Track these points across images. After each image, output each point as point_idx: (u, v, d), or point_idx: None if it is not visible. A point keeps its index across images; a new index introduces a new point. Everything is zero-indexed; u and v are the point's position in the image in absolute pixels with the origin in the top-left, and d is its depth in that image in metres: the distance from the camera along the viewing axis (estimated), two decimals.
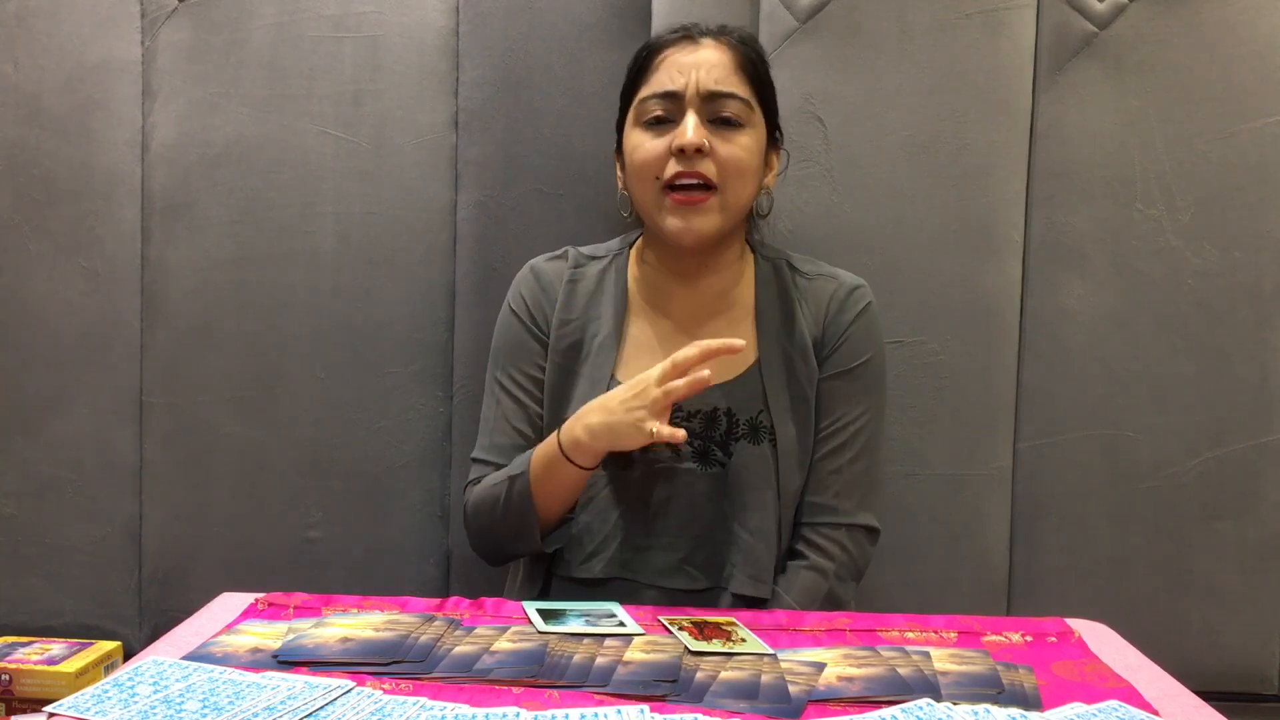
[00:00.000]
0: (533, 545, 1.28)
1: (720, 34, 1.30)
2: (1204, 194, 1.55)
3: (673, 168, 1.24)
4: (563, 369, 1.33)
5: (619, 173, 1.35)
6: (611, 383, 1.29)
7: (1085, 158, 1.55)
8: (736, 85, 1.26)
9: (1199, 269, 1.56)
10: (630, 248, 1.39)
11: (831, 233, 1.56)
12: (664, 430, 1.16)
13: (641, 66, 1.30)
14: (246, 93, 1.60)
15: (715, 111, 1.26)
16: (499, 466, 1.32)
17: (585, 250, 1.40)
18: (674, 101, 1.26)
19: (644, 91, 1.28)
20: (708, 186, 1.25)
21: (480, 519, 1.31)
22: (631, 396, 1.19)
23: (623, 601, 1.15)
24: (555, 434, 1.24)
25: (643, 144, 1.27)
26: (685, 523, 1.29)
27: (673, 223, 1.26)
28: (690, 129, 1.23)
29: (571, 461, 1.22)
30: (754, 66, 1.29)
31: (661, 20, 1.52)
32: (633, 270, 1.37)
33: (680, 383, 1.16)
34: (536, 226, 1.59)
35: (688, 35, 1.29)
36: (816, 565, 1.29)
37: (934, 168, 1.55)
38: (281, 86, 1.60)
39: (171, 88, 1.60)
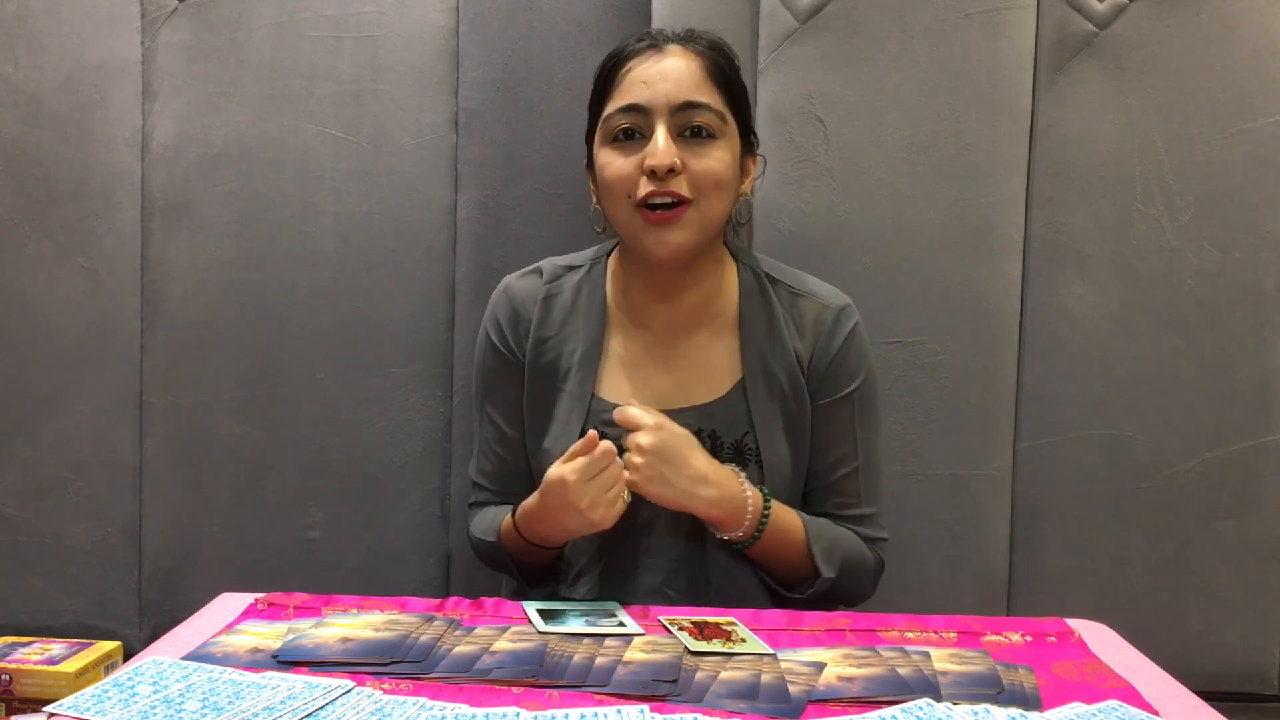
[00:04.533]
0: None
1: (687, 39, 1.24)
2: (1204, 194, 1.55)
3: (645, 186, 1.18)
4: (542, 387, 1.31)
5: (592, 188, 1.30)
6: (593, 400, 1.27)
7: (1085, 158, 1.55)
8: (706, 94, 1.20)
9: (1199, 269, 1.56)
10: (607, 257, 1.35)
11: (831, 233, 1.56)
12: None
13: (606, 79, 1.24)
14: (246, 93, 1.60)
15: (686, 122, 1.19)
16: (488, 489, 1.35)
17: (561, 261, 1.35)
18: (641, 116, 1.20)
19: (610, 106, 1.22)
20: (682, 202, 1.19)
21: (483, 557, 1.34)
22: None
23: None
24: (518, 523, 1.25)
25: (612, 162, 1.21)
26: (669, 544, 1.26)
27: (649, 240, 1.20)
28: (661, 147, 1.17)
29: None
30: (724, 72, 1.23)
31: (661, 20, 1.52)
32: (610, 282, 1.32)
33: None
34: (536, 226, 1.59)
35: (653, 44, 1.23)
36: (849, 530, 1.29)
37: (934, 168, 1.55)
38: (281, 86, 1.60)
39: (171, 88, 1.60)
